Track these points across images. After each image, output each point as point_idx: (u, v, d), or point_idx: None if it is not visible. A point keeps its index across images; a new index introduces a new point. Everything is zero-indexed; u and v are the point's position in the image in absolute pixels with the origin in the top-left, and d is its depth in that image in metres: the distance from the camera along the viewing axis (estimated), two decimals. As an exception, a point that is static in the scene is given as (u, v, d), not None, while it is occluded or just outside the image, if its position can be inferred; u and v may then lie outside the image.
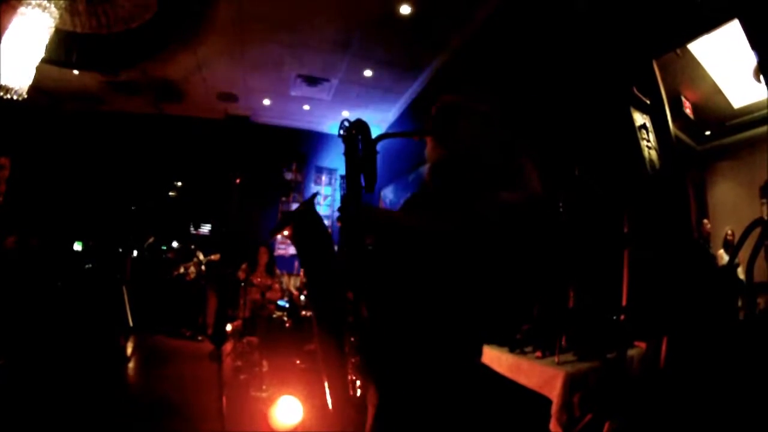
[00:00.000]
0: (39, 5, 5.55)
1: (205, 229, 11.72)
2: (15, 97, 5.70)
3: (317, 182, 12.23)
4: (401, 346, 1.84)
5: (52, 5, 5.63)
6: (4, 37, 5.65)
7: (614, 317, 4.13)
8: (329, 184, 12.22)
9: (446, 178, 2.00)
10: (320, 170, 12.26)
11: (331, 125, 11.29)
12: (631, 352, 4.01)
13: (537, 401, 3.59)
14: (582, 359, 3.77)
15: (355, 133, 1.92)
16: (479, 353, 1.94)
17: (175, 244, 11.28)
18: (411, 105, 9.36)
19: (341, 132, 1.95)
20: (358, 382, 1.86)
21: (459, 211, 1.81)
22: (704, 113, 5.79)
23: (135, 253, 10.69)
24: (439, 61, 7.83)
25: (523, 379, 3.78)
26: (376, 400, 1.85)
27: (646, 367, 4.00)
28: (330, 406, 1.87)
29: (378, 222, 1.94)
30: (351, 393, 1.86)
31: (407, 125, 9.33)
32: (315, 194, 2.28)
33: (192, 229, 11.60)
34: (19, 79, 5.68)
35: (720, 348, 3.83)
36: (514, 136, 2.12)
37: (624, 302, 4.31)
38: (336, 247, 1.96)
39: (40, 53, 5.80)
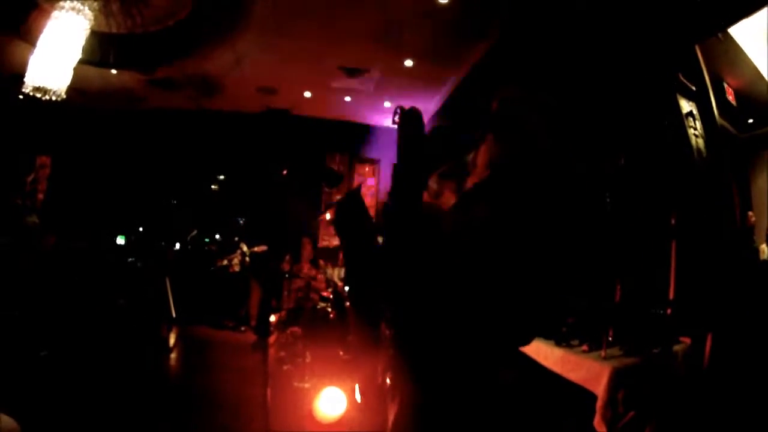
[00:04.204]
0: (72, 8, 5.63)
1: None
2: (54, 99, 5.80)
3: (360, 173, 12.21)
4: (442, 339, 1.79)
5: (86, 8, 5.70)
6: (40, 41, 5.76)
7: (660, 311, 4.03)
8: (373, 175, 12.19)
9: (509, 178, 1.91)
10: (363, 161, 12.25)
11: (373, 116, 11.25)
12: (676, 347, 3.93)
13: (582, 396, 3.54)
14: (628, 354, 3.70)
15: (409, 123, 1.86)
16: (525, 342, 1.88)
17: (218, 236, 11.42)
18: (453, 94, 9.25)
19: (395, 119, 1.90)
20: (389, 374, 1.84)
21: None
22: (747, 100, 5.65)
23: (178, 246, 10.84)
24: (480, 50, 7.72)
25: (568, 373, 3.75)
26: (412, 394, 1.80)
27: (690, 364, 3.92)
28: (357, 396, 1.85)
29: (425, 221, 1.87)
30: (381, 383, 1.83)
31: (450, 115, 9.24)
32: (360, 184, 2.24)
33: (240, 221, 11.72)
34: (57, 80, 5.78)
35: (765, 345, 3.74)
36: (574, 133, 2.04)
37: (671, 295, 4.21)
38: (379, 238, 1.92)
39: (77, 55, 5.88)
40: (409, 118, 1.87)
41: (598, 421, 3.40)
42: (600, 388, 3.45)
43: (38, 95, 5.78)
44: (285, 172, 6.73)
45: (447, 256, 1.76)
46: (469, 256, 1.74)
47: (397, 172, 1.84)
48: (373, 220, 1.99)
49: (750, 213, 5.49)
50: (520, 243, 1.72)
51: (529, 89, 2.01)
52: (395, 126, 1.87)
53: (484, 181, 1.95)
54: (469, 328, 1.73)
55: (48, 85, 5.75)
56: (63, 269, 7.58)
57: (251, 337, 8.52)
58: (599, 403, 3.42)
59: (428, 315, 1.78)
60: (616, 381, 3.42)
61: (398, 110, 1.88)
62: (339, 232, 2.05)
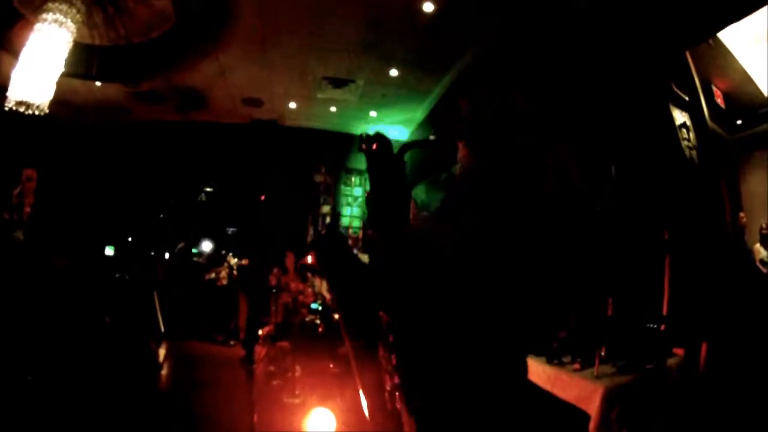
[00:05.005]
0: (55, 21, 5.57)
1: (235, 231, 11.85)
2: (36, 113, 5.74)
3: (347, 184, 12.20)
4: (440, 361, 1.75)
5: (69, 20, 5.64)
6: (22, 55, 5.69)
7: (654, 326, 4.00)
8: (359, 185, 12.17)
9: (482, 187, 1.86)
10: (350, 171, 12.24)
11: (359, 126, 11.22)
12: (670, 360, 3.91)
13: (574, 415, 3.50)
14: (621, 371, 3.67)
15: (377, 148, 1.79)
16: (525, 369, 1.85)
17: (206, 247, 11.37)
18: (439, 103, 9.24)
19: (362, 147, 1.83)
20: (396, 396, 1.80)
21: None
22: (735, 102, 5.71)
23: (167, 255, 10.81)
24: (466, 58, 7.70)
25: (560, 392, 3.71)
26: (415, 419, 1.76)
27: (684, 377, 3.89)
28: (367, 416, 1.81)
29: (407, 245, 1.82)
30: (389, 406, 1.79)
31: (436, 124, 9.23)
32: (338, 214, 2.19)
33: (229, 231, 11.72)
34: (40, 95, 5.71)
35: (761, 353, 3.71)
36: (550, 129, 1.99)
37: (665, 311, 4.18)
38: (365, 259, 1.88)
39: (60, 68, 5.82)
40: (375, 144, 1.80)
41: (591, 442, 3.37)
42: (593, 408, 3.43)
43: (21, 109, 5.72)
44: (263, 197, 6.68)
45: (433, 272, 1.73)
46: (450, 268, 1.71)
47: (371, 201, 1.79)
48: (353, 250, 1.96)
49: (741, 214, 5.50)
50: (495, 251, 1.69)
51: (499, 91, 1.96)
52: (363, 153, 1.81)
53: (456, 189, 1.91)
54: (462, 343, 1.70)
55: (31, 100, 5.69)
56: (48, 289, 7.48)
57: (240, 351, 8.44)
58: (592, 424, 3.38)
59: (422, 335, 1.74)
60: (609, 401, 3.40)
61: (364, 137, 1.81)
62: (323, 270, 2.02)
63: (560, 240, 1.80)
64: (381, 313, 1.76)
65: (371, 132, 1.82)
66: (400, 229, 1.76)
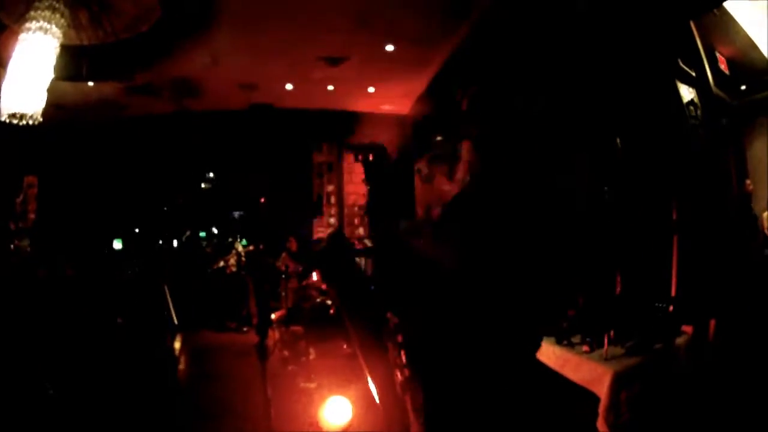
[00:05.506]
0: (40, 28, 5.47)
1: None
2: (30, 123, 5.67)
3: (348, 161, 12.12)
4: (451, 349, 1.72)
5: (53, 26, 5.54)
6: (10, 66, 5.60)
7: (662, 305, 3.99)
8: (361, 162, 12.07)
9: (489, 191, 1.82)
10: (351, 149, 12.14)
11: (358, 103, 11.14)
12: (678, 340, 3.92)
13: (583, 396, 3.52)
14: (630, 353, 3.70)
15: (374, 159, 1.77)
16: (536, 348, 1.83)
17: (213, 232, 11.39)
18: (439, 74, 9.14)
19: (359, 157, 1.80)
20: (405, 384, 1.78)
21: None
22: (739, 68, 5.65)
23: (175, 243, 10.84)
24: (465, 30, 7.58)
25: (570, 374, 3.76)
26: (425, 403, 1.75)
27: (692, 356, 3.89)
28: (378, 403, 1.80)
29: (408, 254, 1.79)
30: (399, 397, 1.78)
31: (437, 96, 9.14)
32: (339, 228, 2.16)
33: (235, 215, 11.74)
34: (32, 104, 5.64)
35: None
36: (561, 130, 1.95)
37: (673, 291, 4.16)
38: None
39: (49, 75, 5.74)
40: (371, 155, 1.78)
41: (600, 424, 3.41)
42: (602, 391, 3.47)
43: (14, 121, 5.65)
44: (263, 200, 6.65)
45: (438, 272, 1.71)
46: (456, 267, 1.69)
47: (370, 209, 1.77)
48: (356, 260, 1.94)
49: (747, 181, 5.46)
50: (505, 254, 1.67)
51: (502, 84, 1.93)
52: (360, 162, 1.79)
53: (463, 192, 1.88)
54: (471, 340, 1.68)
55: (23, 110, 5.61)
56: (58, 299, 7.46)
57: (254, 337, 8.45)
58: (602, 406, 3.44)
59: (432, 332, 1.73)
60: (618, 384, 3.44)
61: (359, 146, 1.79)
62: (327, 281, 2.02)
63: (568, 225, 1.78)
64: (389, 315, 1.75)
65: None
66: (399, 238, 1.74)
